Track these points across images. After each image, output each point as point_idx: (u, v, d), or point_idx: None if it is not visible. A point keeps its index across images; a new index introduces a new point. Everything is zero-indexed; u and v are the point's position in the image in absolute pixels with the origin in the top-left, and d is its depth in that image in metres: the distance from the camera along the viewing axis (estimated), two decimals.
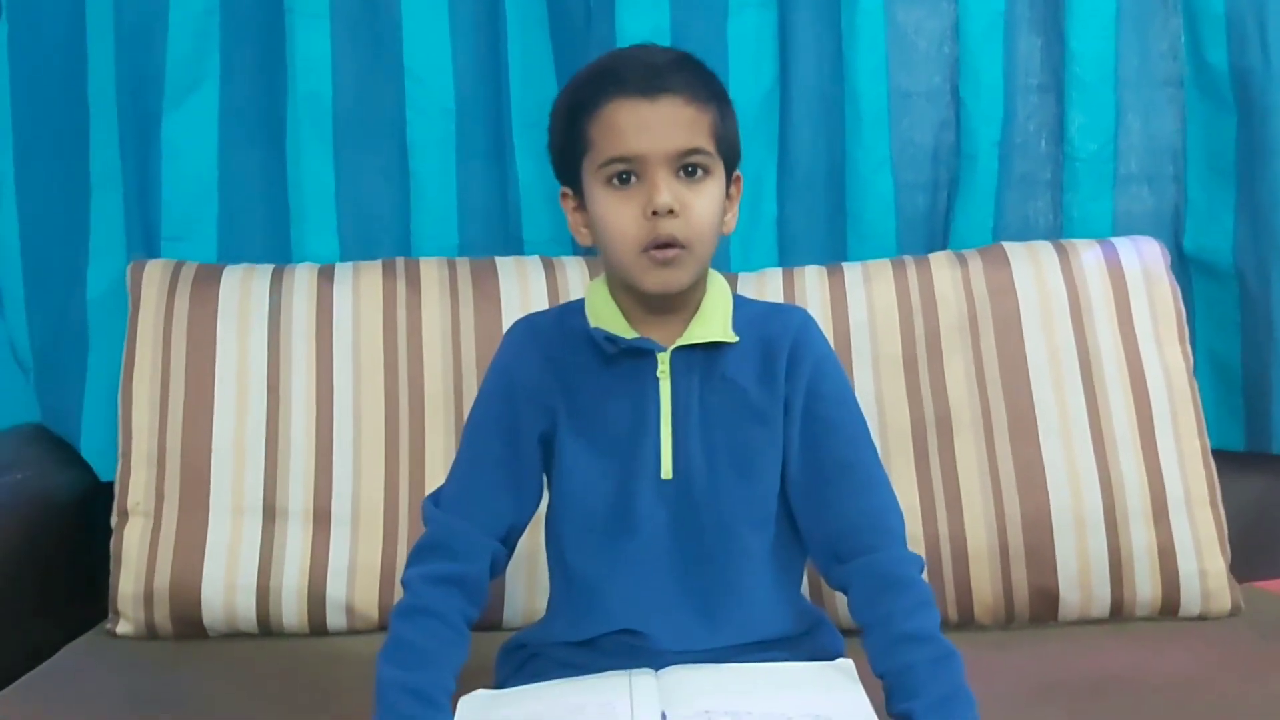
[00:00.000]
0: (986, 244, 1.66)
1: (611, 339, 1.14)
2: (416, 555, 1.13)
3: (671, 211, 1.07)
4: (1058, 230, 1.75)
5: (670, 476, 1.14)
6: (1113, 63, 1.73)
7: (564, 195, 1.18)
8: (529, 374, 1.17)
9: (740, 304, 1.20)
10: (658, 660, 1.10)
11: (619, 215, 1.09)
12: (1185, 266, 1.74)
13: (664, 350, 1.15)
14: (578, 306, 1.20)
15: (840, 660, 1.11)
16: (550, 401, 1.16)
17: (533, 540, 1.23)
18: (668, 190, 1.07)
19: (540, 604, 1.28)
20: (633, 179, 1.09)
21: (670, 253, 1.08)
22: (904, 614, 1.06)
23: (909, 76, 1.76)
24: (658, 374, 1.15)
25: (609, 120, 1.09)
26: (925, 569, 1.12)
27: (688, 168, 1.09)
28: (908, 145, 1.76)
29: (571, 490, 1.16)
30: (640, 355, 1.15)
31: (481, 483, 1.16)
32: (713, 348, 1.15)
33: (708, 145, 1.10)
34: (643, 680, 1.05)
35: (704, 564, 1.14)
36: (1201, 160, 1.76)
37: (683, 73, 1.11)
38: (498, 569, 1.15)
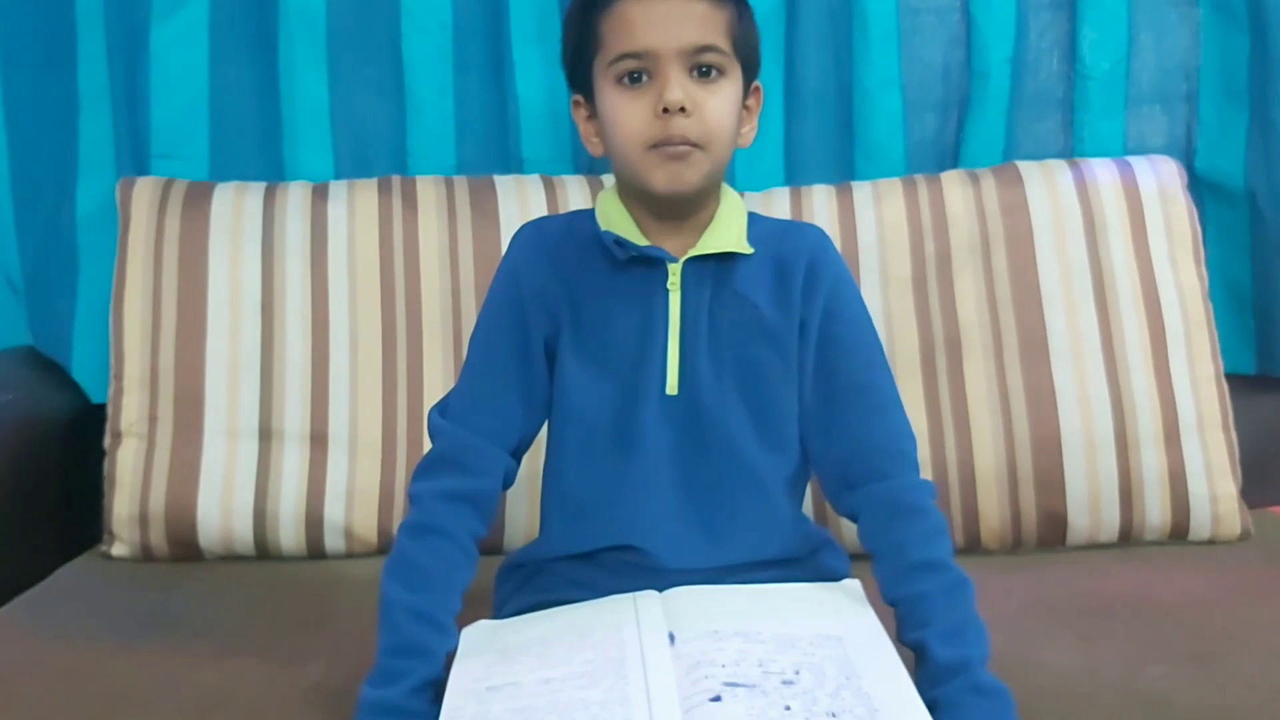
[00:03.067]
0: (997, 164, 1.63)
1: (622, 243, 1.11)
2: (427, 468, 1.10)
3: (683, 110, 1.03)
4: (1069, 151, 1.72)
5: (676, 393, 1.11)
6: None
7: (575, 103, 1.14)
8: (536, 277, 1.13)
9: (754, 220, 1.16)
10: (660, 578, 1.08)
11: (628, 113, 1.05)
12: (1197, 188, 1.71)
13: (675, 261, 1.11)
14: (588, 214, 1.16)
15: (846, 581, 1.09)
16: (555, 307, 1.13)
17: (535, 462, 1.20)
18: (679, 87, 1.03)
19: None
20: (644, 78, 1.05)
21: (681, 148, 1.04)
22: (917, 542, 1.04)
23: None
24: (668, 285, 1.12)
25: (620, 15, 1.05)
26: (936, 494, 1.10)
27: (702, 67, 1.05)
28: (917, 63, 1.72)
29: (572, 402, 1.13)
30: (650, 264, 1.12)
31: (492, 391, 1.12)
32: (725, 261, 1.12)
33: (723, 44, 1.06)
34: (648, 602, 1.04)
35: (708, 482, 1.11)
36: (1215, 80, 1.72)
37: None
38: (507, 483, 1.12)
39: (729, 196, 1.15)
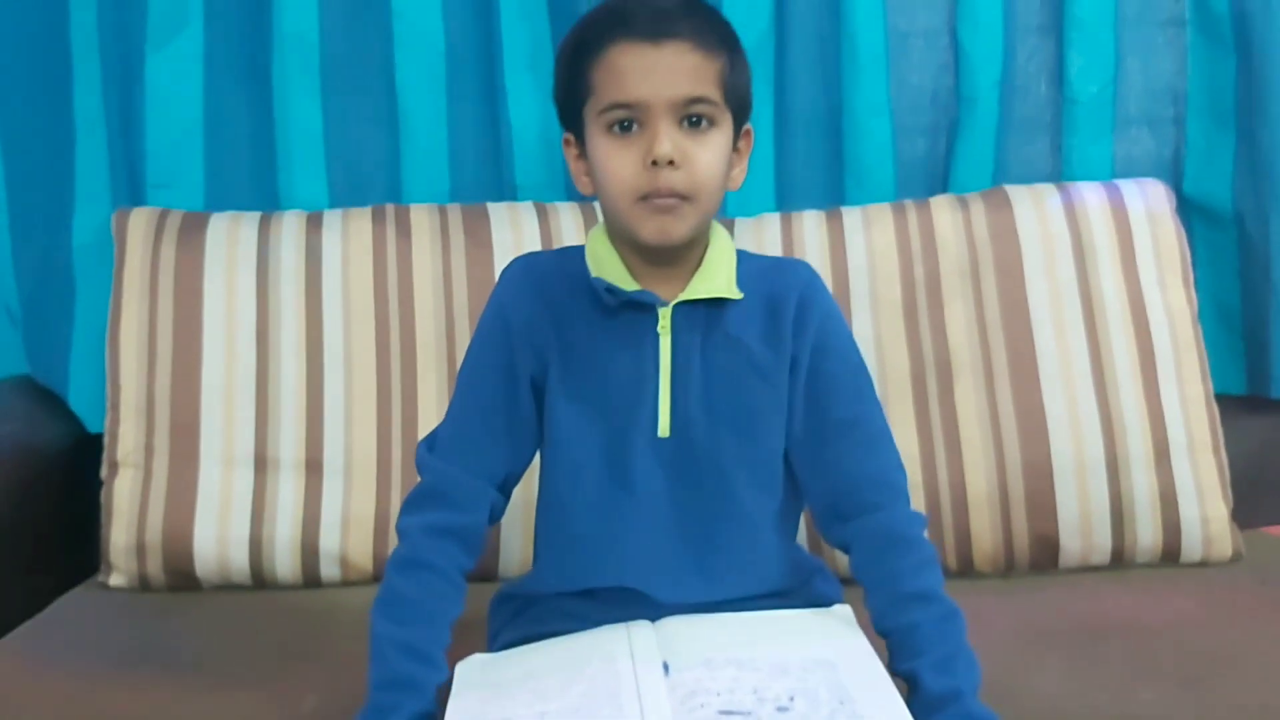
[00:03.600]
0: (986, 188, 1.64)
1: (612, 290, 1.11)
2: (413, 503, 1.11)
3: (672, 163, 1.03)
4: (1057, 174, 1.73)
5: (668, 435, 1.11)
6: (1113, 2, 1.71)
7: (566, 142, 1.14)
8: (524, 314, 1.13)
9: (743, 258, 1.16)
10: (654, 610, 1.09)
11: (618, 163, 1.05)
12: (1185, 210, 1.72)
13: (665, 305, 1.11)
14: (578, 252, 1.16)
15: (837, 606, 1.10)
16: (543, 345, 1.13)
17: (529, 490, 1.20)
18: (669, 140, 1.03)
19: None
20: (634, 127, 1.05)
21: (670, 200, 1.04)
22: (909, 573, 1.05)
23: (906, 17, 1.73)
24: (658, 329, 1.12)
25: (612, 64, 1.05)
26: (927, 525, 1.11)
27: (692, 118, 1.05)
28: (905, 88, 1.74)
29: (563, 441, 1.13)
30: (640, 309, 1.12)
31: (478, 428, 1.13)
32: (716, 304, 1.12)
33: (714, 94, 1.06)
34: (641, 632, 1.04)
35: (701, 522, 1.12)
36: (1202, 103, 1.73)
37: (692, 18, 1.06)
38: (495, 517, 1.13)
39: (718, 237, 1.14)
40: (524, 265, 1.18)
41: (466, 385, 1.16)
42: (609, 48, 1.05)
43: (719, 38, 1.08)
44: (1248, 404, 1.70)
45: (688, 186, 1.04)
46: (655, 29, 1.04)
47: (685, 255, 1.12)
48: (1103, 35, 1.71)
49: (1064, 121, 1.73)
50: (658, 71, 1.04)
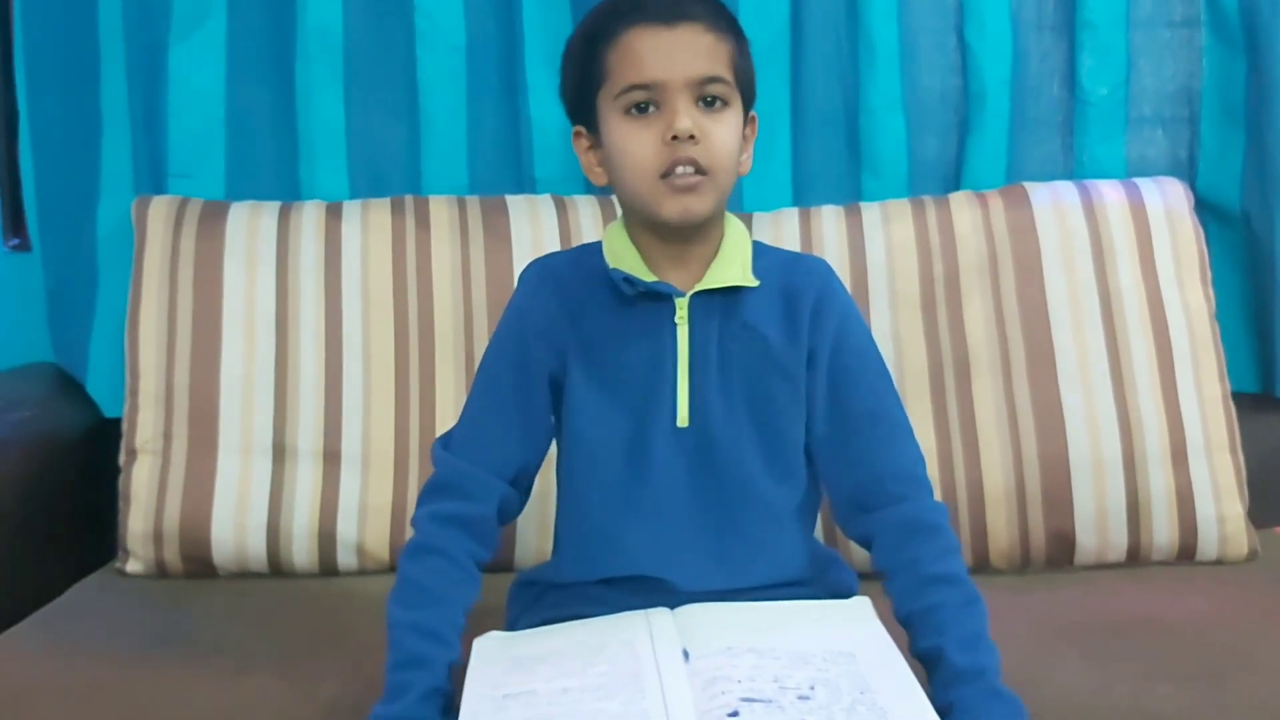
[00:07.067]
0: (999, 186, 1.64)
1: (630, 280, 1.12)
2: (425, 495, 1.13)
3: (692, 137, 1.05)
4: (1070, 174, 1.73)
5: (686, 424, 1.12)
6: (1124, 3, 1.71)
7: (577, 135, 1.16)
8: (542, 316, 1.15)
9: (760, 251, 1.17)
10: (672, 599, 1.09)
11: (637, 143, 1.07)
12: (1199, 210, 1.71)
13: (683, 295, 1.12)
14: (595, 248, 1.17)
15: (856, 597, 1.11)
16: (562, 343, 1.14)
17: (544, 481, 1.21)
18: (687, 116, 1.05)
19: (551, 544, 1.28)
20: (651, 108, 1.07)
21: (691, 179, 1.06)
22: (933, 558, 1.06)
23: (919, 16, 1.73)
24: (675, 319, 1.13)
25: (628, 47, 1.07)
26: (949, 516, 1.11)
27: (707, 98, 1.07)
28: (919, 86, 1.74)
29: (582, 434, 1.14)
30: (658, 299, 1.13)
31: (491, 426, 1.14)
32: (733, 294, 1.13)
33: (726, 75, 1.08)
34: (660, 619, 1.05)
35: (720, 512, 1.12)
36: (1214, 103, 1.73)
37: (702, 2, 1.10)
38: (509, 512, 1.14)
39: (733, 227, 1.16)
40: (540, 268, 1.19)
41: (481, 385, 1.18)
42: (624, 32, 1.08)
43: (727, 22, 1.11)
44: (1263, 403, 1.70)
45: (706, 161, 1.06)
46: (669, 12, 1.07)
47: (702, 240, 1.13)
48: (1114, 36, 1.71)
49: (1076, 122, 1.73)
50: (673, 52, 1.06)
